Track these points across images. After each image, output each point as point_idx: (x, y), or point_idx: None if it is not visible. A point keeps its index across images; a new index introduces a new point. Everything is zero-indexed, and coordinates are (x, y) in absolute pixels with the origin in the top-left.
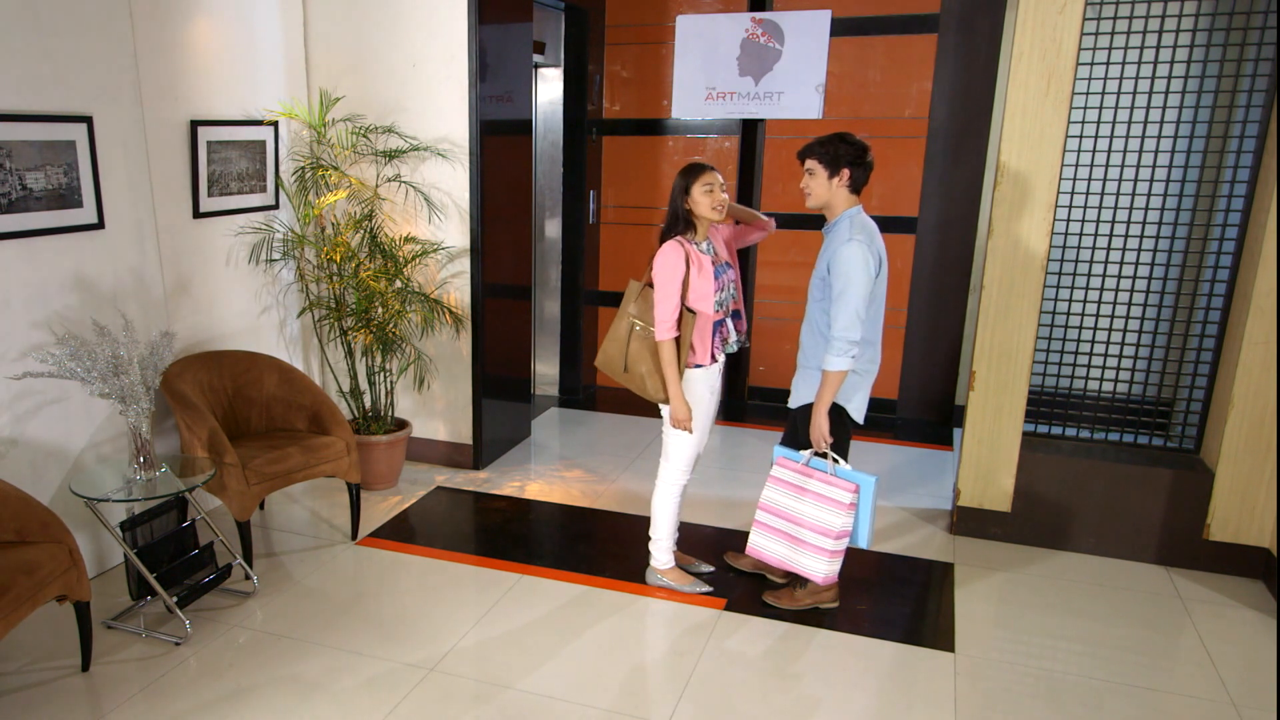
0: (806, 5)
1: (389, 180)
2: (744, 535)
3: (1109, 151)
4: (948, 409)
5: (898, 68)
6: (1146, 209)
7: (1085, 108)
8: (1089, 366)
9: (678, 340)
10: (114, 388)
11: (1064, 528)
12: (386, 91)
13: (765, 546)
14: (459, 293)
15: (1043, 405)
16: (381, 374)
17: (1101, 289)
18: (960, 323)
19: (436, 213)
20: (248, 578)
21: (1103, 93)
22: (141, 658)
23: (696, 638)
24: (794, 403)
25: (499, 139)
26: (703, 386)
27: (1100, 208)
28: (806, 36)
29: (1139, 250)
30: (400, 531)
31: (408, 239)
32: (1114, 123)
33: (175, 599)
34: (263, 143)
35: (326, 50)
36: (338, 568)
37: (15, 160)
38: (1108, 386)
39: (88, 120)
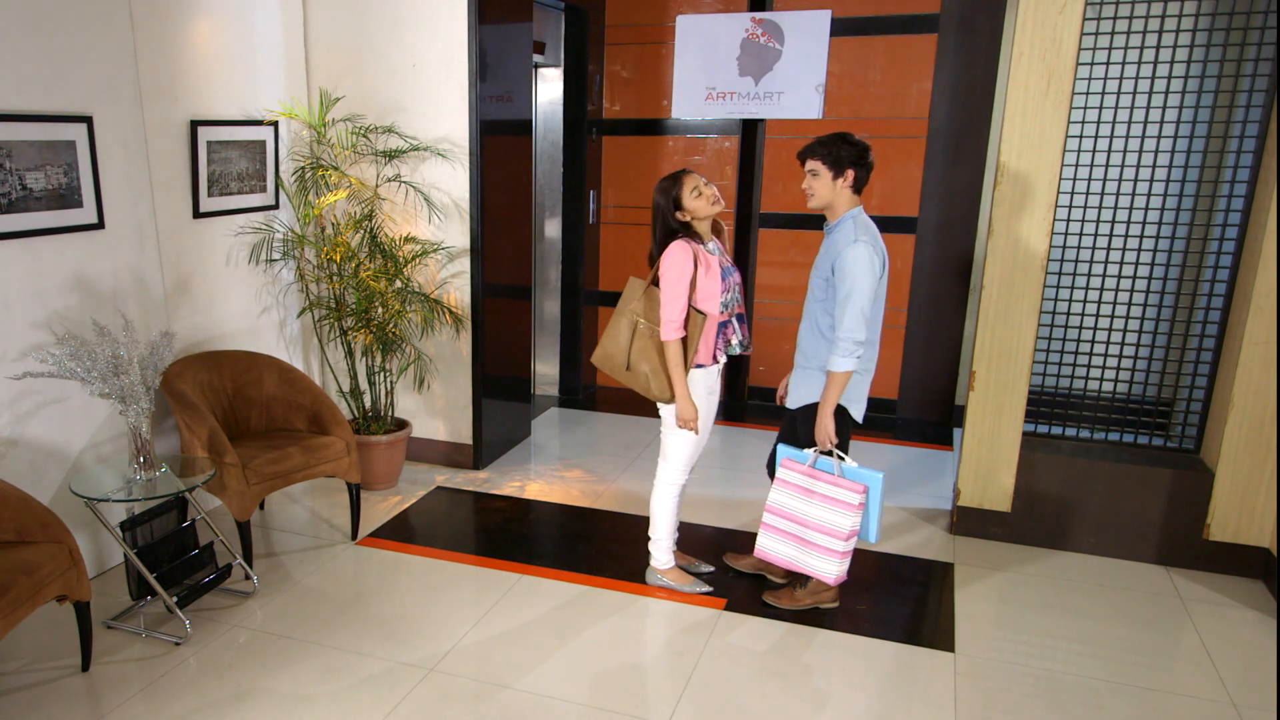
0: (806, 5)
1: (389, 180)
2: (744, 535)
3: (1109, 151)
4: (948, 409)
5: (898, 68)
6: (1146, 209)
7: (1085, 108)
8: (1089, 366)
9: (683, 341)
10: (114, 388)
11: (1064, 528)
12: (386, 91)
13: (773, 549)
14: (459, 293)
15: (1043, 405)
16: (381, 374)
17: (1101, 289)
18: (960, 323)
19: (436, 213)
20: (248, 578)
21: (1103, 93)
22: (141, 658)
23: (696, 638)
24: (793, 402)
25: (499, 139)
26: (701, 387)
27: (1100, 208)
28: (806, 36)
29: (1139, 250)
30: (400, 531)
31: (408, 239)
32: (1114, 123)
33: (175, 599)
34: (263, 143)
35: (326, 50)
36: (338, 568)
37: (15, 160)
38: (1108, 386)
39: (88, 120)
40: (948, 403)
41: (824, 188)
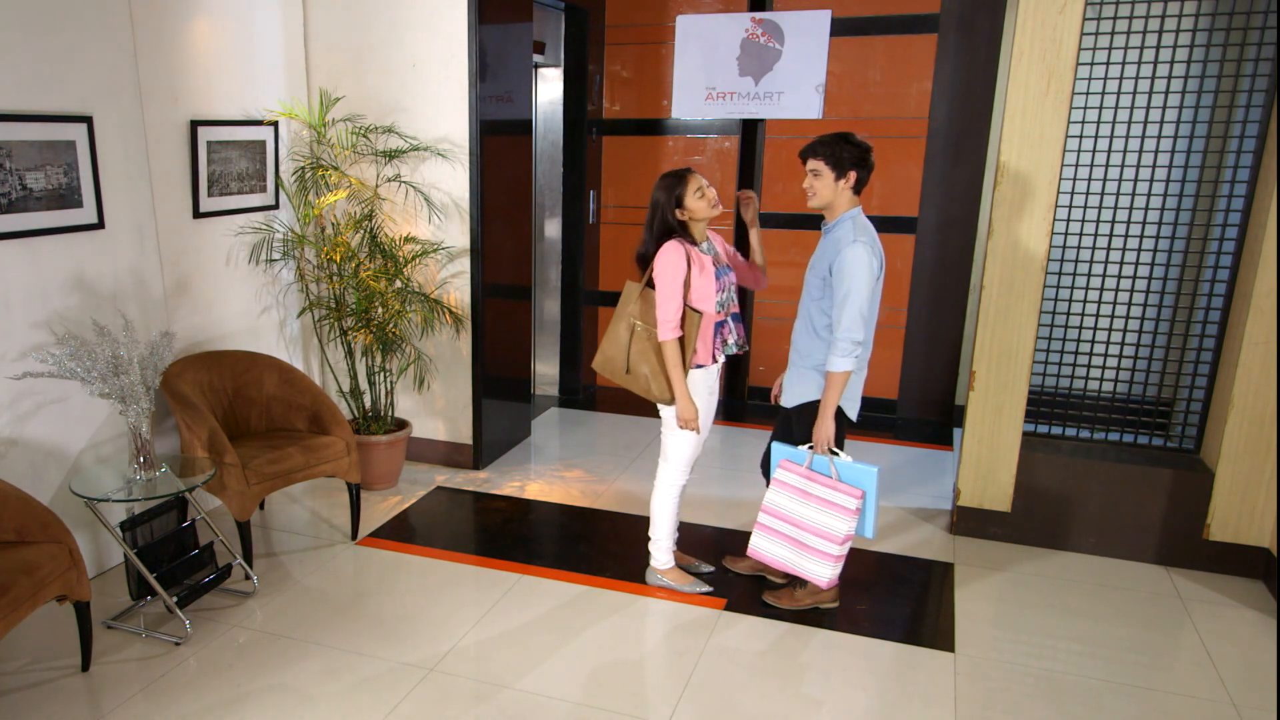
0: (806, 5)
1: (389, 180)
2: (744, 535)
3: (1109, 151)
4: (948, 409)
5: (898, 68)
6: (1146, 209)
7: (1085, 108)
8: (1089, 366)
9: (681, 341)
10: (114, 388)
11: (1064, 528)
12: (386, 91)
13: (767, 549)
14: (459, 293)
15: (1043, 405)
16: (381, 374)
17: (1101, 289)
18: (960, 323)
19: (436, 213)
20: (248, 578)
21: (1103, 93)
22: (141, 658)
23: (696, 638)
24: (789, 401)
25: (499, 139)
26: (703, 387)
27: (1100, 208)
28: (806, 36)
29: (1139, 250)
30: (400, 531)
31: (408, 239)
32: (1114, 123)
33: (175, 599)
34: (263, 143)
35: (326, 50)
36: (338, 568)
37: (15, 160)
38: (1108, 386)
39: (88, 120)
40: (948, 403)
41: (825, 188)
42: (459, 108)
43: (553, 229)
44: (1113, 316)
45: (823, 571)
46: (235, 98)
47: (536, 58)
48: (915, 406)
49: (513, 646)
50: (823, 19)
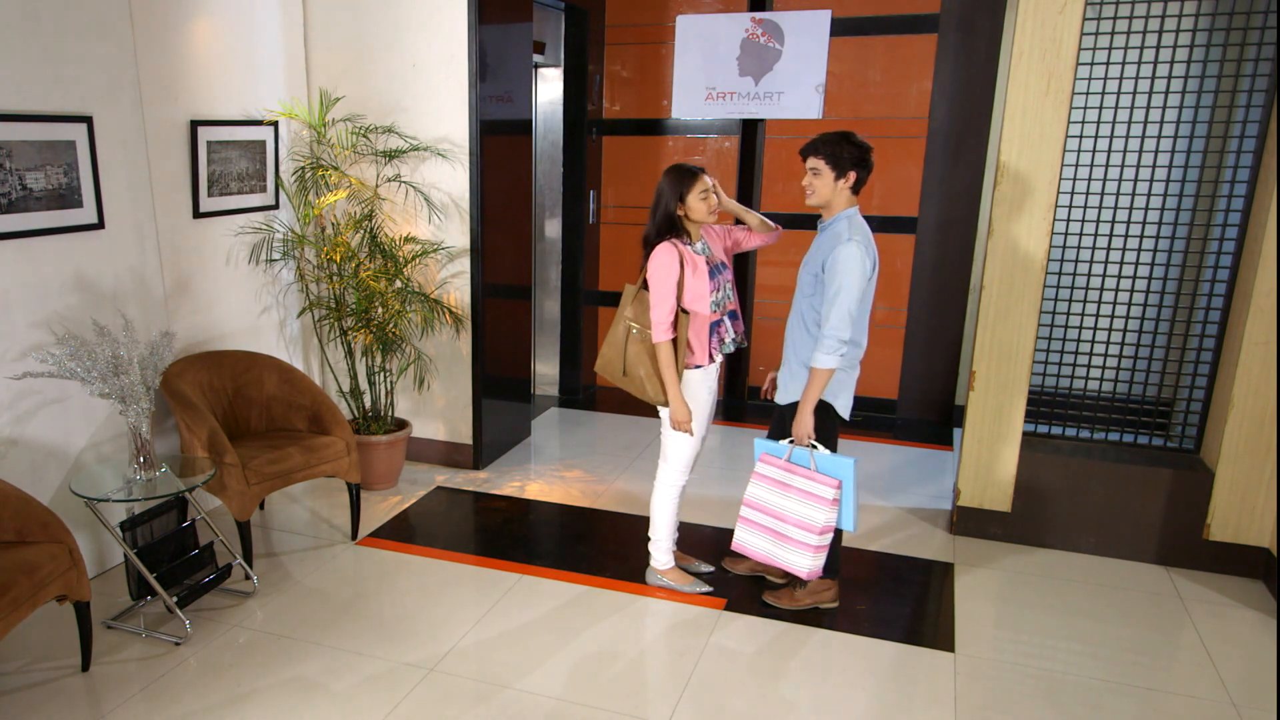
0: (806, 5)
1: (389, 180)
2: None
3: (1109, 151)
4: (948, 409)
5: (898, 68)
6: (1146, 209)
7: (1085, 108)
8: (1089, 366)
9: (674, 342)
10: (114, 388)
11: (1064, 528)
12: (386, 91)
13: (750, 542)
14: (459, 293)
15: (1043, 405)
16: (381, 374)
17: (1101, 289)
18: (960, 323)
19: (436, 213)
20: (248, 578)
21: (1103, 93)
22: (141, 658)
23: (696, 638)
24: (782, 399)
25: (499, 139)
26: (701, 387)
27: (1100, 208)
28: (806, 36)
29: (1139, 250)
30: (400, 531)
31: (408, 239)
32: (1114, 123)
33: (175, 599)
34: (263, 143)
35: (326, 50)
36: (338, 568)
37: (15, 160)
38: (1108, 386)
39: (88, 120)
40: (948, 403)
41: (825, 186)
42: (459, 108)
43: (553, 229)
44: (1113, 316)
45: (802, 562)
46: (235, 98)
47: (536, 58)
48: (915, 406)
49: (512, 646)
50: (823, 19)
